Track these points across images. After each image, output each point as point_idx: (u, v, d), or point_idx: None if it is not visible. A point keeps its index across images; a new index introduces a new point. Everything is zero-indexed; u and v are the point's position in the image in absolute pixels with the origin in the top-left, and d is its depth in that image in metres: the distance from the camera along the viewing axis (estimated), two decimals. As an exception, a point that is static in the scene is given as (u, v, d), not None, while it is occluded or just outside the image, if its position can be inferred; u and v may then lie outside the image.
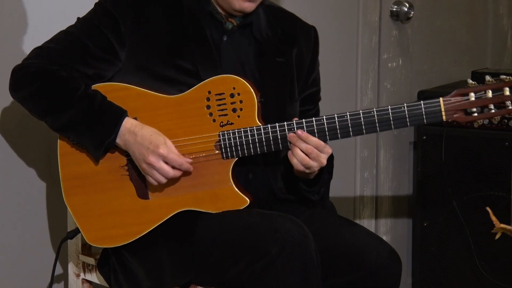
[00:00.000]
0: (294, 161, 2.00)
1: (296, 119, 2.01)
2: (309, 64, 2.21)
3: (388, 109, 1.99)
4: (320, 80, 2.27)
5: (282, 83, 2.14)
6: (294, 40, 2.19)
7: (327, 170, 2.13)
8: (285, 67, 2.15)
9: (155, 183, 2.02)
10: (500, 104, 1.99)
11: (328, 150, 2.00)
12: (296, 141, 1.98)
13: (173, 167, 2.00)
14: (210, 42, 2.09)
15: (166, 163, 1.99)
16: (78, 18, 2.14)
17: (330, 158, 2.14)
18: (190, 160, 2.02)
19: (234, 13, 2.08)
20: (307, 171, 2.00)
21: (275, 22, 2.18)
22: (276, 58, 2.14)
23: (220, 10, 2.10)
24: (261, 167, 2.12)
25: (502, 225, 2.25)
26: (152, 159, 1.99)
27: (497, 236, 2.28)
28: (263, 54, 2.13)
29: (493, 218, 2.24)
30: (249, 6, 2.06)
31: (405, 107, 1.99)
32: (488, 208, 2.25)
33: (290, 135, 1.98)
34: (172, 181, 2.05)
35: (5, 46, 2.41)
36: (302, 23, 2.24)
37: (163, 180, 2.00)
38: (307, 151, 1.97)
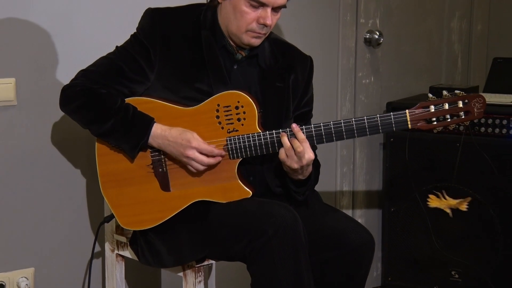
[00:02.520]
0: (282, 156, 1.99)
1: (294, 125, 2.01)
2: (303, 88, 2.20)
3: (364, 119, 2.00)
4: (313, 101, 2.25)
5: (280, 103, 2.13)
6: (292, 68, 2.17)
7: (313, 177, 2.13)
8: (283, 91, 2.14)
9: (195, 170, 2.02)
10: (454, 114, 2.01)
11: (311, 155, 1.98)
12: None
13: (206, 155, 2.00)
14: (223, 69, 2.09)
15: (200, 153, 2.00)
16: (117, 47, 2.15)
17: (317, 167, 2.16)
18: (215, 147, 2.02)
19: (244, 46, 2.09)
20: (293, 165, 1.99)
21: (278, 52, 2.17)
22: (276, 83, 2.13)
23: (232, 43, 2.10)
24: (259, 170, 2.12)
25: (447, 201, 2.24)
26: (189, 152, 2.00)
27: (451, 214, 2.28)
28: (266, 79, 2.13)
29: (439, 200, 2.23)
30: (256, 41, 2.07)
31: (378, 118, 1.99)
32: (432, 196, 2.26)
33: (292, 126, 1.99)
34: (189, 176, 2.06)
35: (58, 68, 2.43)
36: (300, 53, 2.23)
37: (202, 167, 2.01)
38: (294, 145, 1.96)
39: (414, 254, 3.05)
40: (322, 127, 2.01)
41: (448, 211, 2.48)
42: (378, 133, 2.03)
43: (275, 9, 2.03)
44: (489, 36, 3.47)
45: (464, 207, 2.41)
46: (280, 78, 2.14)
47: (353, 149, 3.16)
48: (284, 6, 2.05)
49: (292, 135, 1.99)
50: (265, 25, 2.02)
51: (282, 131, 2.00)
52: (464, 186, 2.82)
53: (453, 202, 2.45)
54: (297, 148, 1.96)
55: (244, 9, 2.01)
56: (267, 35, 2.09)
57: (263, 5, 2.00)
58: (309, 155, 1.98)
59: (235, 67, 2.12)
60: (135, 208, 2.10)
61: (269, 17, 2.01)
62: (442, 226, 2.96)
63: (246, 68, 2.13)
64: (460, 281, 2.97)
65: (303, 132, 1.99)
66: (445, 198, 2.41)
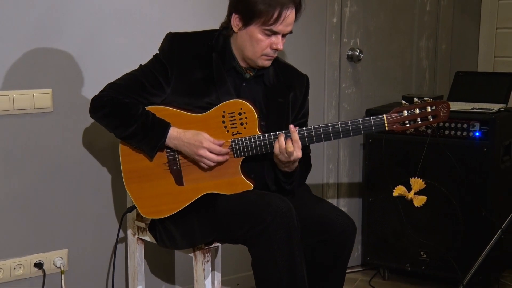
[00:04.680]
0: (276, 150, 1.99)
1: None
2: (301, 103, 2.20)
3: (348, 122, 2.00)
4: (308, 113, 2.24)
5: (281, 116, 2.13)
6: (292, 87, 2.17)
7: (299, 172, 2.12)
8: (284, 105, 2.14)
9: (206, 167, 2.03)
10: (424, 118, 2.01)
11: (299, 154, 1.99)
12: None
13: (216, 154, 2.01)
14: (229, 85, 2.08)
15: (211, 152, 2.00)
16: (140, 65, 2.15)
17: (307, 169, 2.18)
18: (223, 144, 2.02)
19: (257, 67, 2.09)
20: (282, 158, 1.99)
21: (280, 73, 2.16)
22: (278, 98, 2.13)
23: (242, 64, 2.09)
24: (259, 168, 2.12)
25: (412, 193, 2.23)
26: (201, 151, 2.00)
27: (395, 194, 2.27)
28: (269, 95, 2.13)
29: (404, 192, 2.22)
30: (268, 63, 2.08)
31: (360, 121, 2.00)
32: (397, 188, 2.25)
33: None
34: (200, 172, 2.06)
35: (89, 80, 2.43)
36: (298, 73, 2.23)
37: (212, 164, 2.02)
38: (287, 145, 1.97)
39: (389, 238, 3.05)
40: (312, 130, 2.01)
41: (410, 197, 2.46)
42: (360, 134, 2.04)
43: (284, 35, 2.05)
44: (452, 53, 3.47)
45: (417, 203, 2.39)
46: (281, 95, 2.14)
47: (337, 149, 3.15)
48: (291, 32, 2.06)
49: (288, 135, 1.99)
50: (277, 50, 2.04)
51: (279, 133, 2.01)
52: (431, 180, 2.82)
53: (409, 195, 2.45)
54: (288, 148, 1.97)
55: (260, 37, 2.01)
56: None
57: (276, 33, 2.01)
58: (297, 153, 1.99)
59: (244, 84, 2.12)
60: (153, 200, 2.10)
61: (281, 43, 2.03)
62: (413, 214, 2.95)
63: (253, 86, 2.13)
64: (427, 260, 2.97)
65: (296, 134, 1.99)
66: (407, 191, 2.40)
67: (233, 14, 2.04)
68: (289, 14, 2.00)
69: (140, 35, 2.50)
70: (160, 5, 2.56)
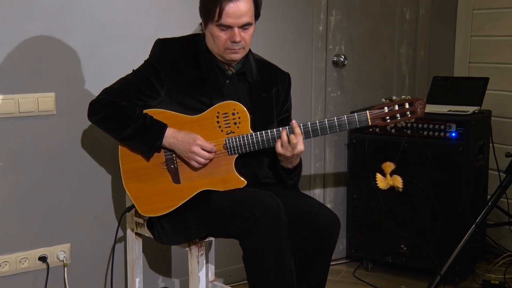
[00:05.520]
0: (279, 148, 2.00)
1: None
2: (284, 98, 2.20)
3: (334, 119, 2.01)
4: (291, 108, 2.25)
5: (266, 110, 2.13)
6: (274, 82, 2.17)
7: (300, 167, 2.14)
8: (268, 100, 2.14)
9: (198, 165, 2.01)
10: (403, 113, 2.03)
11: (302, 147, 2.00)
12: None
13: (207, 152, 2.00)
14: (221, 84, 2.08)
15: (203, 149, 1.99)
16: (133, 70, 2.14)
17: (300, 164, 2.16)
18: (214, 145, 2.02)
19: (229, 62, 2.07)
20: (287, 153, 1.99)
21: (263, 70, 2.16)
22: (262, 94, 2.13)
23: (223, 62, 2.08)
24: (250, 164, 2.11)
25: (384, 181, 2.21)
26: (194, 148, 1.99)
27: (384, 188, 2.25)
28: (253, 92, 2.12)
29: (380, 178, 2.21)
30: (235, 56, 2.04)
31: (345, 117, 2.01)
32: (377, 174, 2.23)
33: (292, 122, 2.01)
34: (196, 170, 2.05)
35: (89, 85, 2.42)
36: (280, 71, 2.23)
37: (204, 161, 2.01)
38: (291, 138, 1.98)
39: (372, 232, 3.06)
40: (301, 126, 2.00)
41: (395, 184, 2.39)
42: (346, 130, 2.04)
43: (243, 27, 2.00)
44: (430, 59, 3.48)
45: (397, 184, 2.31)
46: (265, 90, 2.14)
47: (323, 148, 3.15)
48: (250, 24, 2.01)
49: (291, 131, 2.00)
50: (235, 42, 2.00)
51: (282, 128, 2.01)
52: (410, 177, 2.83)
53: (388, 180, 2.39)
54: (292, 140, 1.98)
55: (217, 33, 2.00)
56: (245, 50, 2.06)
57: (229, 27, 1.99)
58: (300, 146, 2.00)
59: (227, 81, 2.11)
60: (152, 198, 2.08)
61: (237, 35, 1.99)
62: (394, 209, 2.96)
63: (236, 83, 2.12)
64: (407, 253, 2.98)
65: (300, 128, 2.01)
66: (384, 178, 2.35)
67: (201, 19, 2.06)
68: (234, 6, 1.95)
69: (137, 42, 2.49)
70: (155, 14, 2.56)
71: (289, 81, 2.23)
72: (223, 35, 2.00)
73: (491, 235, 3.27)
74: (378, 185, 2.20)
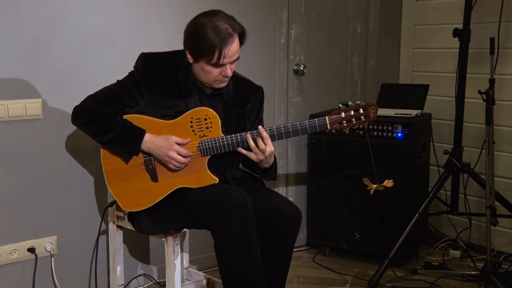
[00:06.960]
0: (252, 156, 2.00)
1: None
2: (257, 112, 2.18)
3: (297, 124, 2.01)
4: (263, 118, 2.22)
5: (239, 124, 2.11)
6: (248, 98, 2.15)
7: (275, 164, 2.13)
8: (241, 115, 2.12)
9: (174, 168, 2.00)
10: (357, 118, 2.04)
11: (272, 148, 2.00)
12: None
13: (183, 156, 1.98)
14: (196, 97, 2.06)
15: (179, 154, 1.97)
16: (118, 80, 2.11)
17: (275, 161, 2.15)
18: (189, 142, 2.01)
19: (213, 88, 2.05)
20: (260, 157, 2.00)
21: (238, 86, 2.13)
22: (236, 110, 2.11)
23: (203, 83, 2.05)
24: (219, 166, 2.09)
25: (374, 186, 2.23)
26: (171, 153, 1.97)
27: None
28: (228, 107, 2.10)
29: (369, 183, 2.22)
30: (223, 85, 2.04)
31: (307, 122, 2.01)
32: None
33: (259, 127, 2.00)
34: (173, 171, 2.03)
35: (74, 91, 2.37)
36: (254, 86, 2.19)
37: (180, 165, 1.99)
38: (259, 143, 1.97)
39: (329, 221, 3.07)
40: (267, 131, 2.01)
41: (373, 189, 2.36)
42: (307, 134, 2.04)
43: (232, 62, 2.00)
44: (378, 68, 3.52)
45: (388, 184, 2.30)
46: (239, 106, 2.12)
47: (286, 148, 3.16)
48: (238, 58, 2.00)
49: (258, 135, 1.99)
50: (227, 76, 2.00)
51: (246, 134, 1.99)
52: (362, 173, 2.86)
53: (378, 186, 2.36)
54: (260, 145, 1.97)
55: (209, 69, 1.97)
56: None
57: (223, 65, 1.97)
58: (270, 148, 1.99)
59: (205, 99, 2.09)
60: (133, 195, 2.07)
61: (229, 70, 1.98)
62: (348, 202, 2.98)
63: (213, 100, 2.09)
64: (360, 239, 3.01)
65: (254, 136, 2.01)
66: (372, 183, 2.34)
67: (186, 50, 2.00)
68: (231, 48, 1.92)
69: (119, 53, 2.47)
70: (136, 27, 2.53)
71: (262, 95, 2.20)
72: (215, 71, 1.97)
73: (432, 223, 3.33)
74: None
